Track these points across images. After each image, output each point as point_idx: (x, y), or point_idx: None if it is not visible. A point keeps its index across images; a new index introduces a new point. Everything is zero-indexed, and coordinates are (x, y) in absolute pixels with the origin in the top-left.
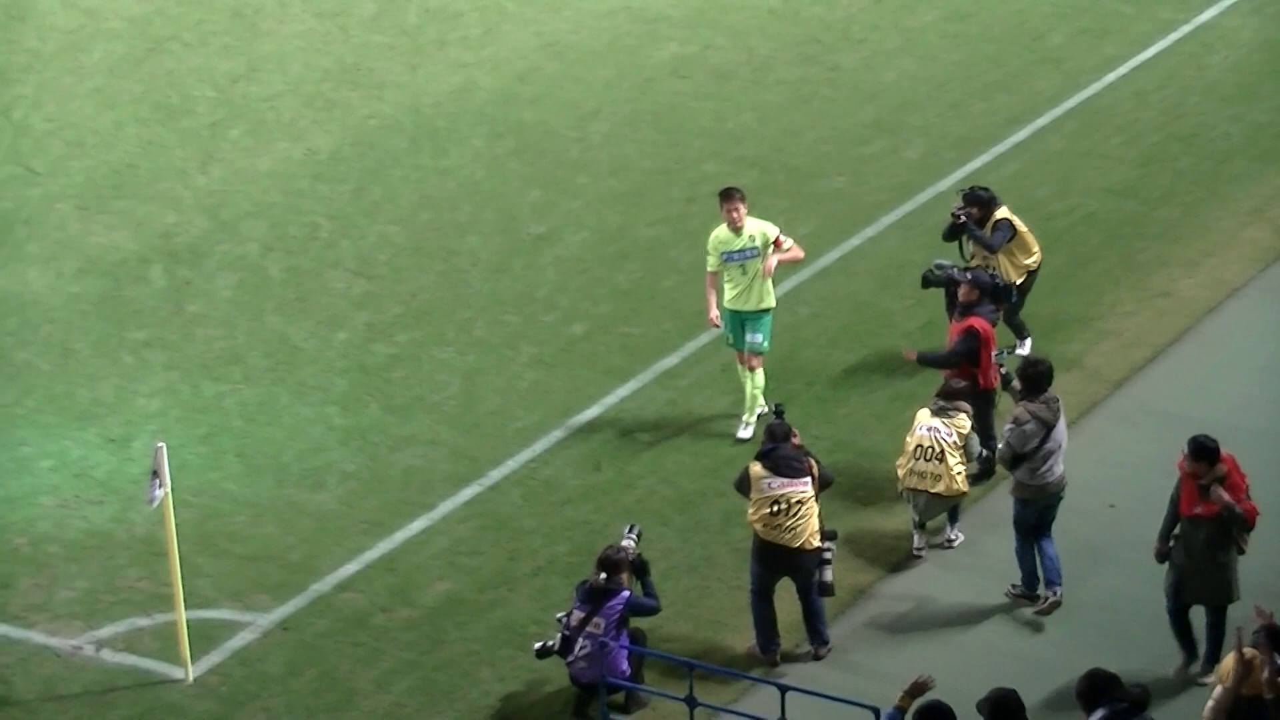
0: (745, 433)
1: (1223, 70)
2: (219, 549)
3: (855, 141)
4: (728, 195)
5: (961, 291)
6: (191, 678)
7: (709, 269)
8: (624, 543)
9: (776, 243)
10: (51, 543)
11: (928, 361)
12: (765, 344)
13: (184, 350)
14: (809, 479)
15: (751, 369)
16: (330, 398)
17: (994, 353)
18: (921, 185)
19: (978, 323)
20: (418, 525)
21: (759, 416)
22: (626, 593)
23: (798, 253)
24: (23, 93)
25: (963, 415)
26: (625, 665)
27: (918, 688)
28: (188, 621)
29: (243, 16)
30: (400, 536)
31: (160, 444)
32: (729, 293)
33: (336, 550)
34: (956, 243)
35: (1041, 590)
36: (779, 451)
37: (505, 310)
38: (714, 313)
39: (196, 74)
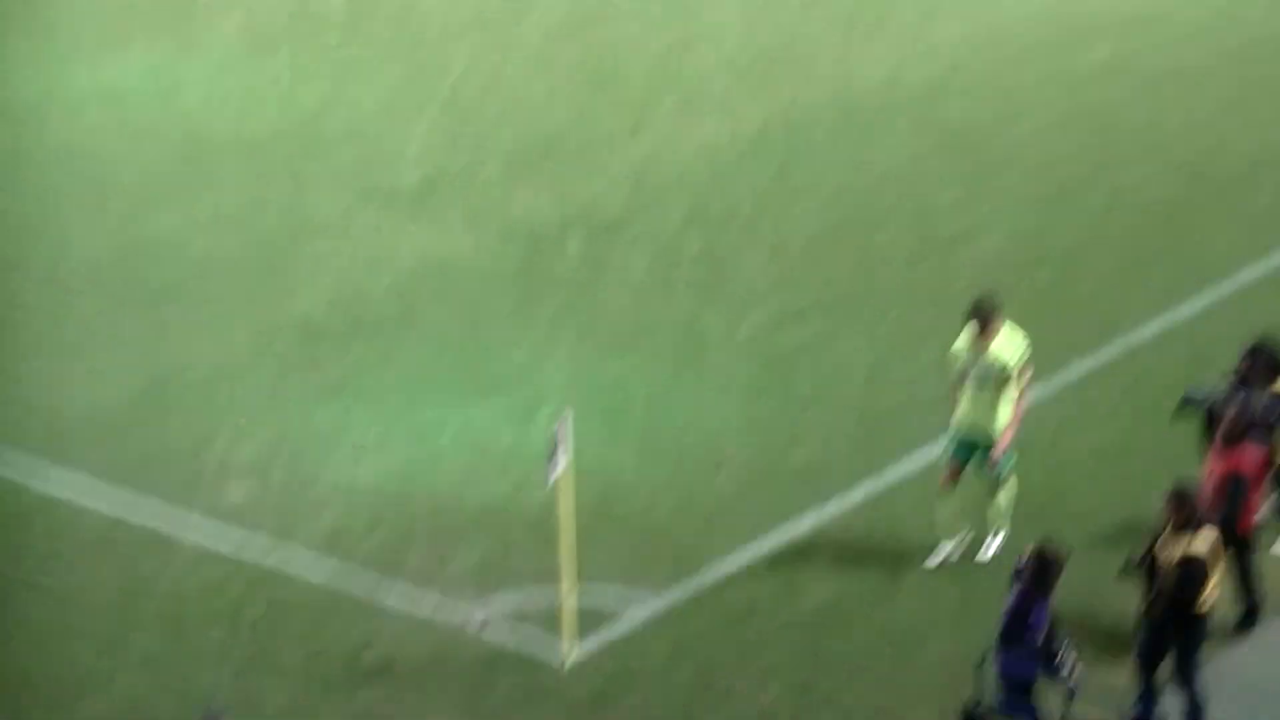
0: (985, 554)
1: None
2: (611, 531)
3: None
4: (975, 311)
5: (1228, 420)
6: (571, 662)
7: (951, 379)
8: (1069, 679)
9: (1018, 373)
10: (449, 513)
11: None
12: (1007, 468)
13: (594, 324)
14: None
15: (996, 492)
16: (734, 383)
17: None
18: None
19: (1246, 464)
20: (808, 521)
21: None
22: (1026, 601)
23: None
24: (459, 53)
25: None
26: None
27: None
28: (574, 605)
29: None
30: (790, 531)
31: (564, 418)
32: (961, 408)
33: (725, 541)
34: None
35: None
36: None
37: (915, 307)
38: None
39: (632, 44)
